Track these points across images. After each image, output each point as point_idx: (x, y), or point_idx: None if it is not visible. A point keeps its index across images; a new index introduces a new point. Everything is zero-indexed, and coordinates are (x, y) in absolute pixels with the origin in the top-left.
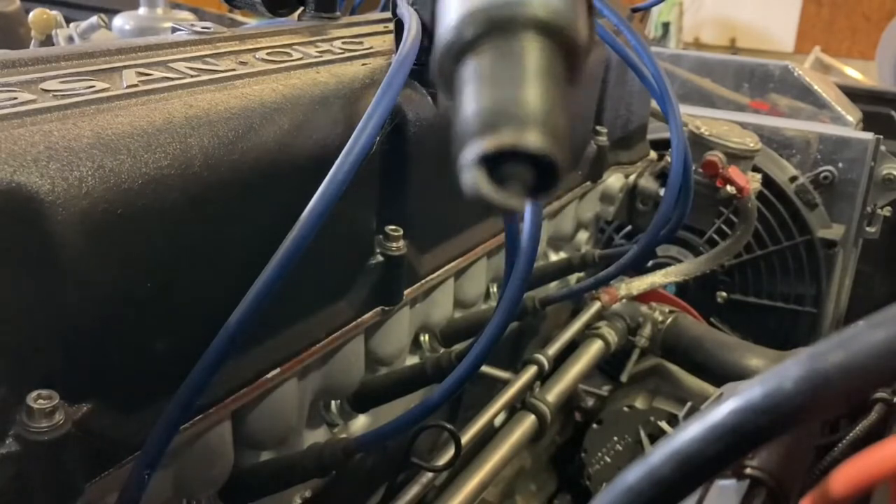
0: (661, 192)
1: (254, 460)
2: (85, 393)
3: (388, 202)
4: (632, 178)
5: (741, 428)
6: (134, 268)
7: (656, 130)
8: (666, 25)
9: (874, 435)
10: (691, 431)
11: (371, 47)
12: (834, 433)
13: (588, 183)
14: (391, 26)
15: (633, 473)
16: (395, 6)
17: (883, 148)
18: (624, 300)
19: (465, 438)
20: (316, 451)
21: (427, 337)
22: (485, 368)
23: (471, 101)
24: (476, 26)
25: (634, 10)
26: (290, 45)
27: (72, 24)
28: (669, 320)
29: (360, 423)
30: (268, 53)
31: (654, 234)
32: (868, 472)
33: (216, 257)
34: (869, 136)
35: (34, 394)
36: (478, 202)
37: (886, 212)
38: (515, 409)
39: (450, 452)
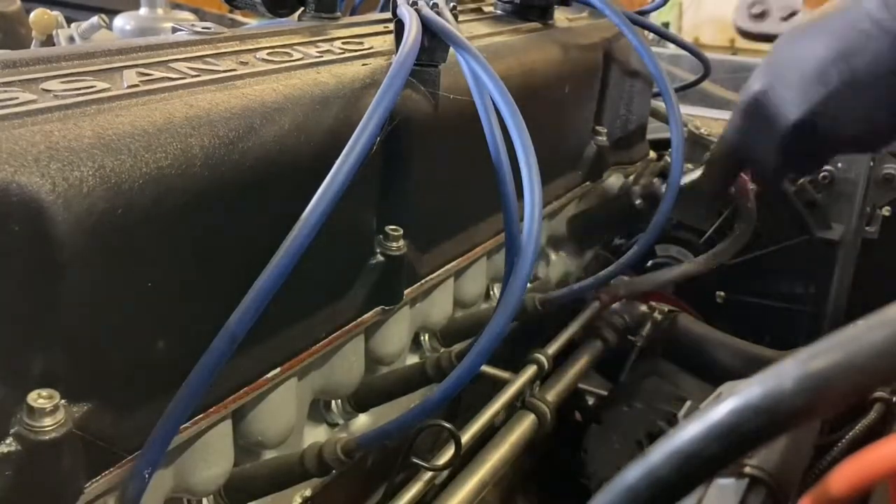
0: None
1: (254, 460)
2: (85, 393)
3: (388, 202)
4: (631, 178)
5: (740, 427)
6: (134, 267)
7: (656, 130)
8: (665, 25)
9: (873, 434)
10: (690, 431)
11: (371, 47)
12: (833, 433)
13: (588, 183)
14: (391, 26)
15: (633, 473)
16: (395, 6)
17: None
18: (623, 300)
19: (465, 438)
20: (316, 451)
21: (427, 337)
22: (485, 368)
23: None
24: None
25: (641, 13)
26: (290, 46)
27: (73, 25)
28: (669, 320)
29: (361, 423)
30: (268, 53)
31: (654, 233)
32: (867, 471)
33: (216, 257)
34: None
35: (34, 393)
36: None
37: (886, 211)
38: (515, 408)
39: (450, 452)
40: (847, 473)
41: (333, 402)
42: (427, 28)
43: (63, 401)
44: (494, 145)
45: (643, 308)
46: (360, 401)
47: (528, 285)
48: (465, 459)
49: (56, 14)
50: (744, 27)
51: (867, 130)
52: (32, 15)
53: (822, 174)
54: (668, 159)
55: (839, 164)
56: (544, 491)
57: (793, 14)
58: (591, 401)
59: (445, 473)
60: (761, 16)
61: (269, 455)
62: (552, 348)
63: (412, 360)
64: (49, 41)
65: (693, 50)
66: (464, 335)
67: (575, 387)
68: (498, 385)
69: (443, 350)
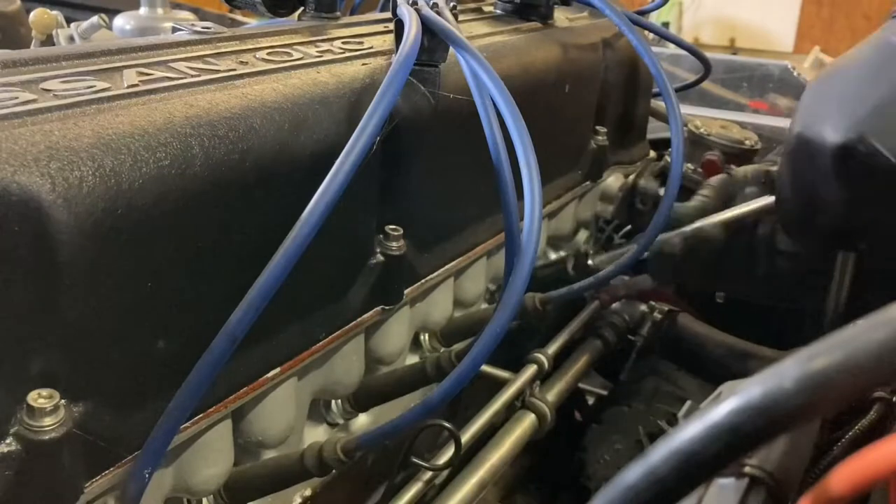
0: (661, 191)
1: (254, 460)
2: (85, 393)
3: (388, 202)
4: (631, 177)
5: (740, 427)
6: (134, 267)
7: (656, 130)
8: (665, 25)
9: (874, 434)
10: (690, 431)
11: (371, 47)
12: (834, 433)
13: (588, 182)
14: (391, 26)
15: (633, 473)
16: (395, 6)
17: None
18: (623, 300)
19: (465, 437)
20: (316, 450)
21: (427, 337)
22: (485, 368)
23: None
24: None
25: (641, 13)
26: (290, 45)
27: (72, 24)
28: (669, 320)
29: (361, 423)
30: (268, 53)
31: (654, 233)
32: (867, 471)
33: (216, 257)
34: None
35: (34, 392)
36: None
37: None
38: (515, 408)
39: (450, 451)
40: (847, 473)
41: (333, 402)
42: (427, 28)
43: (63, 401)
44: (494, 145)
45: (643, 308)
46: (360, 401)
47: None
48: (465, 459)
49: (56, 14)
50: None
51: None
52: (32, 15)
53: None
54: (668, 159)
55: None
56: (544, 491)
57: None
58: (591, 401)
59: (445, 473)
60: None
61: (269, 455)
62: (552, 348)
63: (412, 360)
64: (49, 41)
65: (693, 50)
66: (464, 335)
67: (575, 387)
68: (498, 385)
69: (443, 350)
